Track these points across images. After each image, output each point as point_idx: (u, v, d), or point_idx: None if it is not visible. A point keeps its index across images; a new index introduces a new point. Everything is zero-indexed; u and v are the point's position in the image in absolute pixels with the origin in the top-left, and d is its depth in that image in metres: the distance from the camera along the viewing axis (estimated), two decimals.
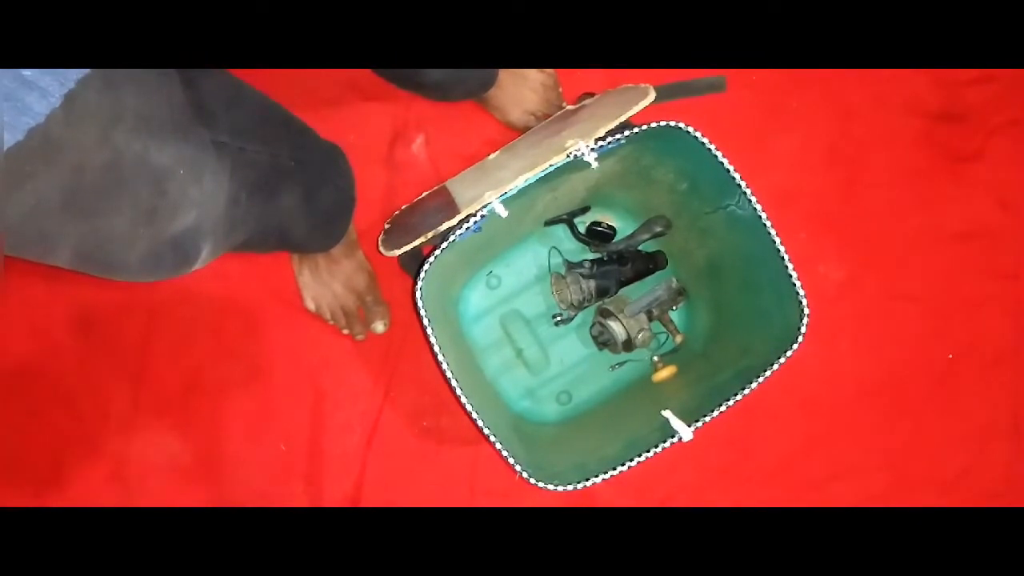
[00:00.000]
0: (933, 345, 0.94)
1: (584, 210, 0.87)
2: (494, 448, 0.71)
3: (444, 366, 0.70)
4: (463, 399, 0.70)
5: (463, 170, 0.85)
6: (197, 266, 0.60)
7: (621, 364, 0.88)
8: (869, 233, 0.94)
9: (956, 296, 0.94)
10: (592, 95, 0.85)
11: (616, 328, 0.83)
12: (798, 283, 0.71)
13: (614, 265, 0.85)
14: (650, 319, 0.85)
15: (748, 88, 0.91)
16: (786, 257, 0.71)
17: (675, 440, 0.72)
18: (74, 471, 0.87)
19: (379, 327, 0.87)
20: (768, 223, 0.71)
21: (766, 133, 0.93)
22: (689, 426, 0.72)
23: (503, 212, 0.70)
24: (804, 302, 0.71)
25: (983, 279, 0.95)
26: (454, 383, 0.70)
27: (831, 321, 0.86)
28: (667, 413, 0.74)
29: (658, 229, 0.84)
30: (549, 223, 0.87)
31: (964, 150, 0.95)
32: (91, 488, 0.86)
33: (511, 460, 0.70)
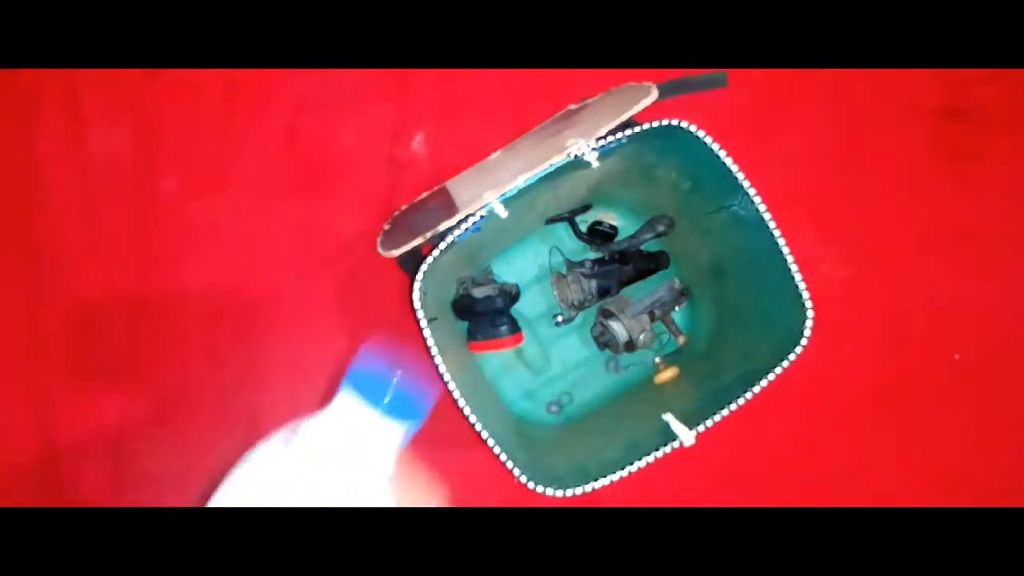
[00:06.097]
0: (938, 345, 0.93)
1: (586, 208, 0.86)
2: (493, 453, 0.70)
3: (441, 368, 0.69)
4: (460, 403, 0.70)
5: (463, 170, 0.84)
6: None
7: (626, 367, 0.88)
8: (873, 233, 0.93)
9: (961, 296, 0.93)
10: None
11: (618, 329, 0.82)
12: (801, 284, 0.71)
13: (616, 265, 0.84)
14: (652, 320, 0.84)
15: (751, 87, 0.90)
16: (789, 258, 0.71)
17: (677, 444, 0.71)
18: (70, 473, 0.86)
19: None
20: (771, 223, 0.71)
21: (769, 132, 0.92)
22: (691, 429, 0.72)
23: (503, 212, 0.69)
24: (808, 303, 0.70)
25: (988, 278, 0.94)
26: (451, 386, 0.69)
27: (835, 321, 0.85)
28: (668, 417, 0.73)
29: (660, 228, 0.83)
30: (550, 222, 0.86)
31: (969, 149, 0.94)
32: (87, 490, 0.86)
33: (509, 464, 0.70)
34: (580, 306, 0.85)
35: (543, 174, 0.69)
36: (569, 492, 0.70)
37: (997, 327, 0.94)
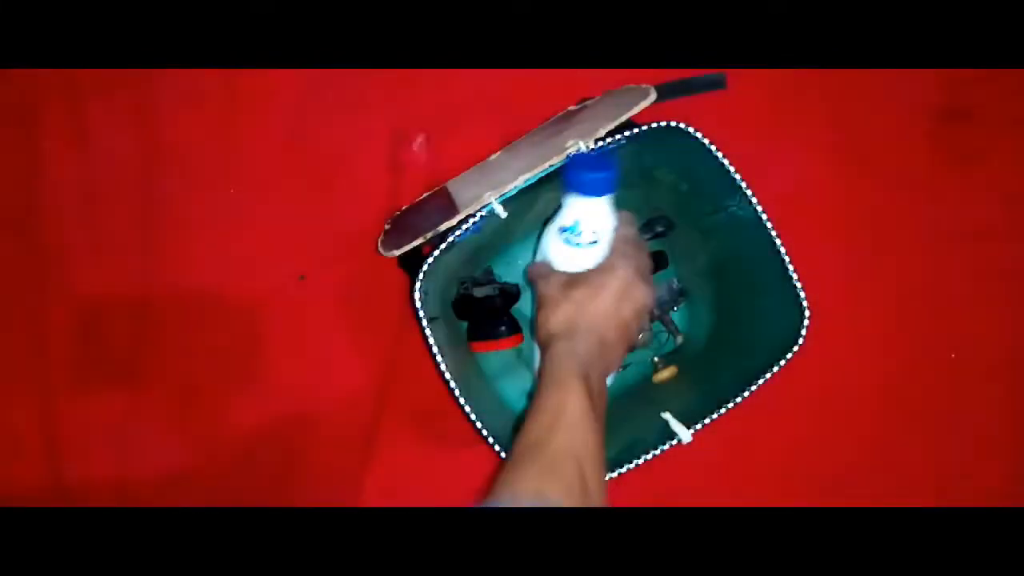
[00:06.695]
0: (936, 345, 0.93)
1: None
2: (494, 451, 0.71)
3: (442, 368, 0.70)
4: (461, 401, 0.70)
5: (464, 170, 0.85)
6: None
7: (625, 366, 0.88)
8: (871, 233, 0.93)
9: (959, 296, 0.94)
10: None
11: None
12: (799, 284, 0.71)
13: None
14: (651, 319, 0.84)
15: (750, 88, 0.90)
16: (787, 258, 0.71)
17: (675, 443, 0.72)
18: (73, 472, 0.87)
19: None
20: (769, 224, 0.71)
21: (768, 133, 0.93)
22: (689, 428, 0.72)
23: (503, 212, 0.69)
24: (805, 303, 0.71)
25: (987, 278, 0.94)
26: (452, 385, 0.70)
27: (833, 321, 0.86)
28: (666, 415, 0.74)
29: (660, 229, 0.83)
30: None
31: (969, 149, 0.94)
32: (90, 490, 0.87)
33: None
34: None
35: (543, 174, 0.69)
36: None
37: (993, 326, 0.94)
